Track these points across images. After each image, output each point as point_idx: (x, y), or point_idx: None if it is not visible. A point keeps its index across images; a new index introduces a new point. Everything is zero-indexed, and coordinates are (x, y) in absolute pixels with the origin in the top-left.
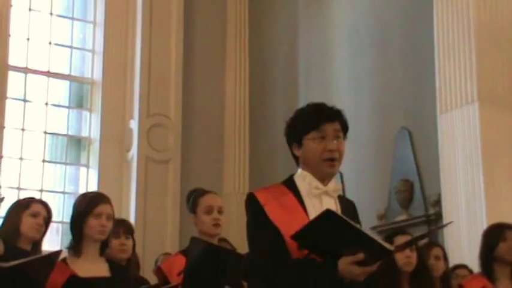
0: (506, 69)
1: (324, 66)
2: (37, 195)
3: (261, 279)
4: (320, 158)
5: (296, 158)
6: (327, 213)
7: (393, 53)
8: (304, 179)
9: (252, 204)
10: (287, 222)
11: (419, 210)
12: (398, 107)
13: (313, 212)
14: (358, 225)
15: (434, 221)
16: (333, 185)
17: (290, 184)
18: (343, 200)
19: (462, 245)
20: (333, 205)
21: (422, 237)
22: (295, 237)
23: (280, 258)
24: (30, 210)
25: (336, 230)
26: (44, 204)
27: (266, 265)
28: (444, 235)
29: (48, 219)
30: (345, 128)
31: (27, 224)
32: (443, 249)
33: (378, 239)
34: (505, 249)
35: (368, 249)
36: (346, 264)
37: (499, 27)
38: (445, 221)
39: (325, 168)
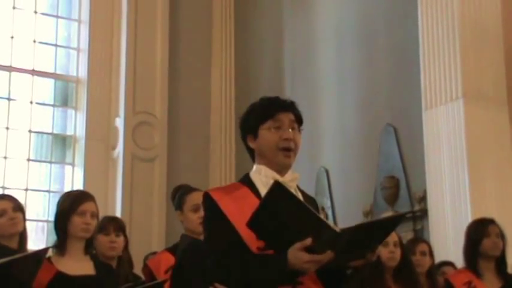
0: (490, 66)
1: (309, 63)
2: (22, 194)
3: (218, 277)
4: (276, 147)
5: (251, 152)
6: (275, 186)
7: (378, 50)
8: (260, 173)
9: (207, 202)
10: (242, 215)
11: (405, 206)
12: (383, 104)
13: None
14: (306, 204)
15: (420, 217)
16: (290, 174)
17: (246, 180)
18: (303, 193)
19: (447, 241)
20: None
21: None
22: (251, 224)
23: (234, 255)
24: None
25: (287, 210)
26: (6, 197)
27: (219, 263)
28: (430, 231)
29: (18, 208)
30: (299, 121)
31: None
32: (429, 245)
33: (326, 220)
34: (489, 244)
35: (318, 234)
36: (294, 250)
37: (483, 24)
38: (430, 218)
39: (281, 158)
